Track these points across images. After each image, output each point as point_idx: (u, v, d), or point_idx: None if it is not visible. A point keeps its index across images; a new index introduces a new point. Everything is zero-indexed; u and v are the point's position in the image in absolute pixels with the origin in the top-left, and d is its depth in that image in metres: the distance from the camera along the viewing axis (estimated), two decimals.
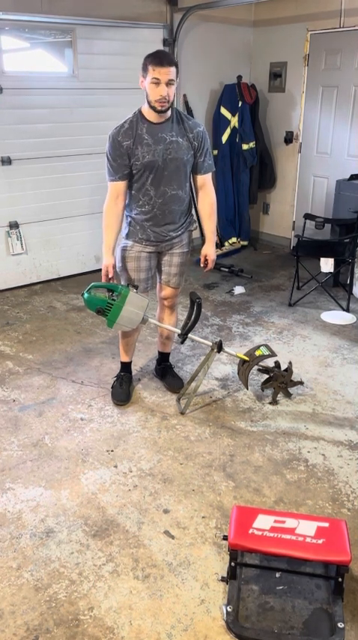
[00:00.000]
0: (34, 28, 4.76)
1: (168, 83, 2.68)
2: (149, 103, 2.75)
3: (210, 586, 2.10)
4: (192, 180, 3.04)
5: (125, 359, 3.35)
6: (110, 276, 2.94)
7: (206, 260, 3.11)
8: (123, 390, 3.28)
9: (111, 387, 3.34)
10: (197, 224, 3.15)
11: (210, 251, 3.09)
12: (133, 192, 2.92)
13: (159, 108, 2.74)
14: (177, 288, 3.19)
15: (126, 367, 3.38)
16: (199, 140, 2.91)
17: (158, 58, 2.68)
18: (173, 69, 2.69)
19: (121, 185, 2.88)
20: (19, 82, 4.57)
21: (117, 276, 3.04)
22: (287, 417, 3.15)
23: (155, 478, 2.65)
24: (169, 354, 3.50)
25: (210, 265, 3.12)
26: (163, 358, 3.50)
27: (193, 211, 3.17)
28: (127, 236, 3.03)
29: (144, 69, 2.70)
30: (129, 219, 3.01)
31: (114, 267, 2.94)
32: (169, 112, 2.82)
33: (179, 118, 2.89)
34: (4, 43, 4.49)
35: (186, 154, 2.88)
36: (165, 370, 3.47)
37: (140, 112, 2.84)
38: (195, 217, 3.25)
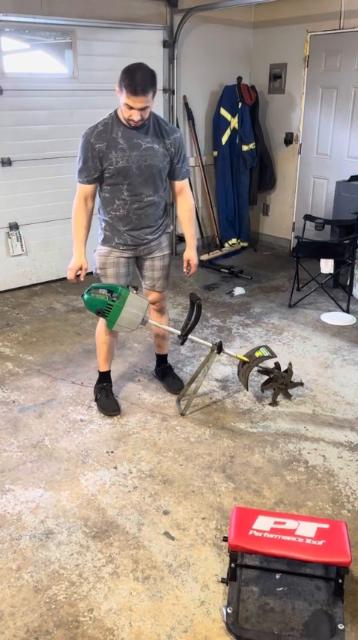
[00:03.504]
0: (34, 30, 4.76)
1: (142, 109, 2.62)
2: (123, 114, 2.70)
3: (210, 587, 2.10)
4: (169, 185, 3.00)
5: (105, 368, 3.26)
6: (81, 278, 2.88)
7: (188, 265, 3.07)
8: (111, 401, 3.21)
9: (96, 401, 3.25)
10: (173, 226, 3.13)
11: (192, 255, 3.06)
12: (107, 195, 2.86)
13: (133, 125, 2.70)
14: (163, 291, 3.17)
15: (106, 377, 3.29)
16: (176, 146, 2.86)
17: (132, 87, 2.55)
18: (148, 97, 2.59)
19: (90, 188, 2.83)
20: (20, 84, 4.57)
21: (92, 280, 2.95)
22: (287, 418, 3.15)
23: (155, 479, 2.65)
24: (167, 355, 3.50)
25: (193, 270, 3.09)
26: (161, 360, 3.49)
27: (172, 213, 3.13)
28: (104, 242, 2.96)
29: (120, 85, 2.61)
30: (103, 223, 2.95)
31: (86, 269, 2.88)
32: None
33: (156, 123, 2.81)
34: (4, 44, 4.49)
35: (161, 161, 2.83)
36: (165, 371, 3.47)
37: (116, 113, 2.76)
38: (171, 219, 3.21)
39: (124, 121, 2.73)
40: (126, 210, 2.87)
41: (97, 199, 2.94)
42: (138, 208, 2.87)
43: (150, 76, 2.62)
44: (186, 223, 3.07)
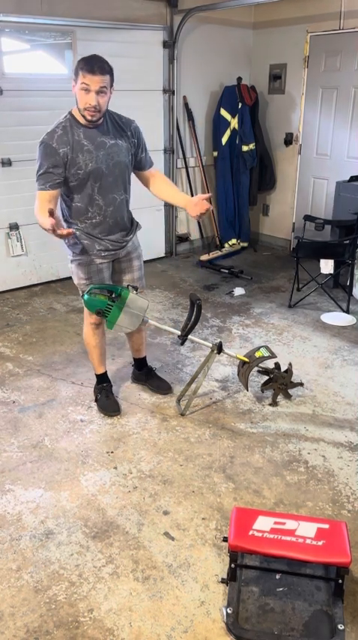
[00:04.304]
0: (34, 30, 4.77)
1: (99, 91, 2.55)
2: (79, 111, 2.63)
3: (210, 588, 2.10)
4: (139, 177, 2.97)
5: (101, 370, 3.25)
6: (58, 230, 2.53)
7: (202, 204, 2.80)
8: (111, 401, 3.21)
9: (96, 401, 3.25)
10: (140, 225, 3.08)
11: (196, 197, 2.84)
12: (78, 204, 2.78)
13: (89, 118, 2.61)
14: (143, 290, 3.14)
15: (104, 378, 3.28)
16: (137, 136, 2.84)
17: (89, 65, 2.52)
18: (106, 77, 2.55)
19: (54, 193, 2.67)
20: (20, 84, 4.57)
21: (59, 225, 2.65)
22: (287, 418, 3.15)
23: (155, 480, 2.65)
24: (146, 357, 3.45)
25: (206, 202, 2.80)
26: (142, 363, 3.44)
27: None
28: (83, 251, 2.87)
29: (76, 73, 2.56)
30: (77, 232, 2.84)
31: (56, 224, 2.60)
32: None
33: (112, 119, 2.78)
34: (4, 44, 4.50)
35: (126, 156, 2.80)
36: (148, 374, 3.44)
37: (72, 115, 2.69)
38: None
39: (82, 120, 2.66)
40: (102, 217, 2.82)
41: (64, 209, 2.86)
42: (113, 211, 2.84)
43: (107, 62, 2.59)
44: (175, 189, 3.06)
